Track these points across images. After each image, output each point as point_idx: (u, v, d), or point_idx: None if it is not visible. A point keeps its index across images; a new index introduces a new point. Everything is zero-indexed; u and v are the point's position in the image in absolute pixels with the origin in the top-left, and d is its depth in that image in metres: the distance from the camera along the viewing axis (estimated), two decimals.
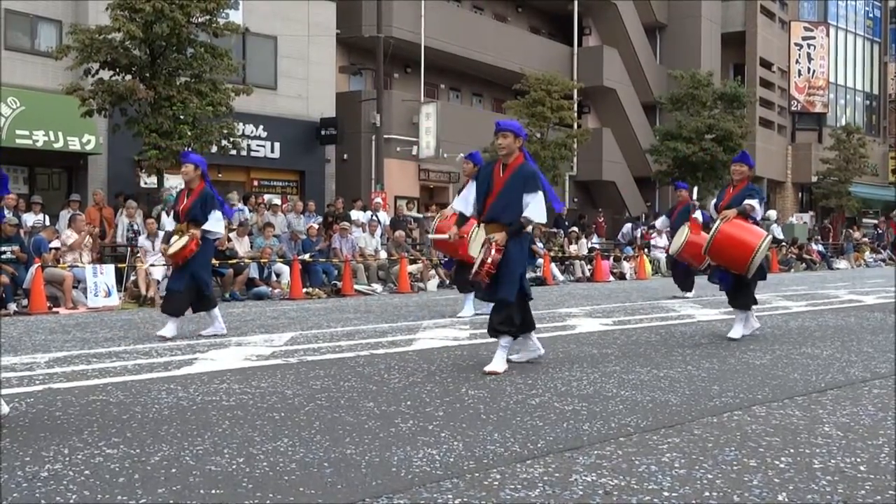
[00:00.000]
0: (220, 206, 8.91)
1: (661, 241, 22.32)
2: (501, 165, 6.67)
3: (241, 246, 15.64)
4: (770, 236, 8.74)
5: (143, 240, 14.72)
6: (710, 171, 31.06)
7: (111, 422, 4.76)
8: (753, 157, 41.58)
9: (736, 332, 8.56)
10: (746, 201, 8.37)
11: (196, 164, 8.86)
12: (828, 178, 40.47)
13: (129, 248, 15.24)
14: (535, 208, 6.48)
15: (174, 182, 18.44)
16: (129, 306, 13.19)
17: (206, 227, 8.74)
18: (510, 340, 6.58)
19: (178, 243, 8.69)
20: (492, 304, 6.70)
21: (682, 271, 14.40)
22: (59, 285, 12.90)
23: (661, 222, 17.06)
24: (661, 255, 22.66)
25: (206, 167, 9.03)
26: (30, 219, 14.76)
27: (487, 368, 6.39)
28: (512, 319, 6.47)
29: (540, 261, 20.53)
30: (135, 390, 5.73)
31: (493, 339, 8.57)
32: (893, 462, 3.92)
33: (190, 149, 16.44)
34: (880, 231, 38.22)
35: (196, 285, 8.80)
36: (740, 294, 8.64)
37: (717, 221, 8.39)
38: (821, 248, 32.21)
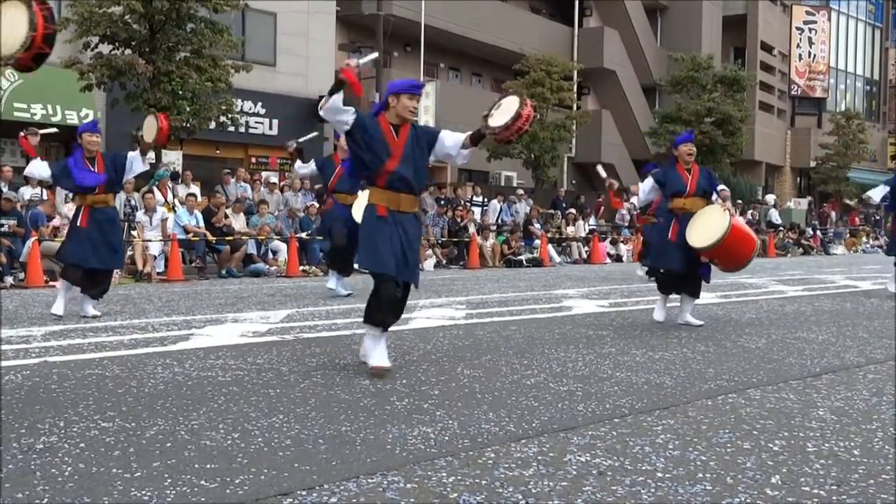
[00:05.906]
0: None
1: None
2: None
3: (238, 222, 15.61)
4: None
5: (140, 215, 14.68)
6: (709, 155, 31.01)
7: (107, 395, 4.76)
8: (753, 142, 41.19)
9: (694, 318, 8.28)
10: (721, 188, 8.14)
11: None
12: (826, 163, 40.41)
13: (125, 223, 15.19)
14: None
15: (172, 157, 18.38)
16: (126, 281, 13.16)
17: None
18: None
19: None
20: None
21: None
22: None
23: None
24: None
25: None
26: (27, 192, 14.70)
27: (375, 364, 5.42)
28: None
29: (537, 242, 20.57)
30: (131, 365, 5.73)
31: (482, 320, 8.58)
32: (887, 446, 3.93)
33: (188, 124, 16.39)
34: (878, 217, 38.22)
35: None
36: (695, 282, 8.26)
37: (725, 215, 7.67)
38: (819, 233, 32.27)
